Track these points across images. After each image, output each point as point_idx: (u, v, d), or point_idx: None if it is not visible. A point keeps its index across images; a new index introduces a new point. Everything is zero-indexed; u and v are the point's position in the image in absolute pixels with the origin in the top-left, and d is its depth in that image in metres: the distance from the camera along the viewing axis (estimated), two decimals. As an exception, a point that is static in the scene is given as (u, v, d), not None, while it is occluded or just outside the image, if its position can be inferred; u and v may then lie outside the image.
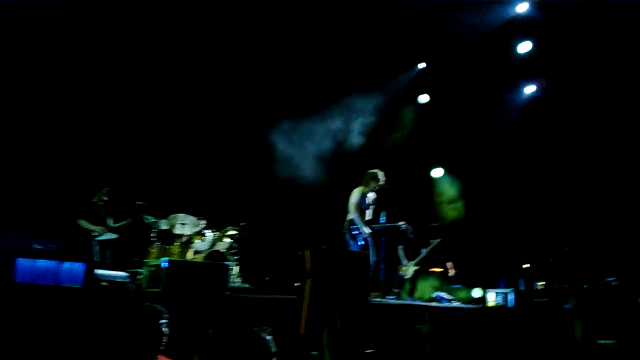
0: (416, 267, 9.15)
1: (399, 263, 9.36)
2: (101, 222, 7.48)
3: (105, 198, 7.67)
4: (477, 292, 8.82)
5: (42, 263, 5.17)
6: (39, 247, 5.19)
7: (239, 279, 8.59)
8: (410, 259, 9.31)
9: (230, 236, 8.84)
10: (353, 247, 7.28)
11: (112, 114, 8.91)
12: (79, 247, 5.39)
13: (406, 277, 9.19)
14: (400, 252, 9.40)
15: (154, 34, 8.92)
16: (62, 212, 7.47)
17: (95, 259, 6.41)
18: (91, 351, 4.40)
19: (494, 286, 8.82)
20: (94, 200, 7.60)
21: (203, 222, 8.67)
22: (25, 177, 8.05)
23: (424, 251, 9.15)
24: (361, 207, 7.50)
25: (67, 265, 5.24)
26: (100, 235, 7.33)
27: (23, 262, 5.13)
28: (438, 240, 9.15)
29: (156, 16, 8.76)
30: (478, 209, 10.21)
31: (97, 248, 7.04)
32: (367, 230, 7.38)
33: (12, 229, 5.25)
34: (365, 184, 7.64)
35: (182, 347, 4.41)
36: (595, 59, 9.27)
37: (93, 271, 5.38)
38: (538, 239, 9.88)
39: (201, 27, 9.13)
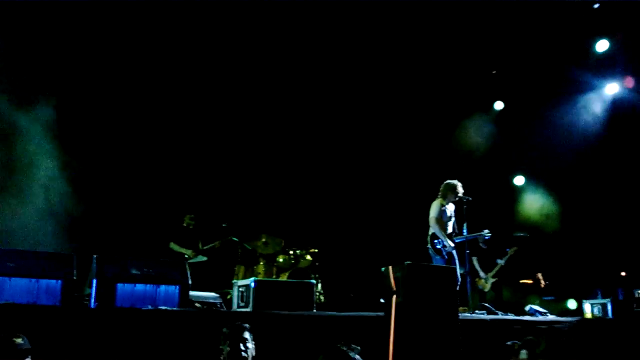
0: (494, 279, 8.76)
1: (475, 275, 9.00)
2: (191, 245, 7.87)
3: (193, 222, 8.07)
4: (572, 304, 8.39)
5: (140, 287, 5.47)
6: (136, 272, 5.48)
7: (322, 297, 8.65)
8: (486, 270, 8.91)
9: (311, 254, 8.94)
10: (438, 262, 7.14)
11: (195, 142, 9.31)
12: (174, 271, 5.66)
13: (485, 290, 8.82)
14: (476, 264, 9.01)
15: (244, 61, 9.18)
16: (155, 238, 7.91)
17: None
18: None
19: (589, 296, 8.36)
20: (183, 225, 8.04)
21: (282, 241, 8.83)
22: (119, 207, 8.56)
23: (500, 261, 8.77)
24: (442, 219, 7.36)
25: (162, 288, 5.52)
26: (191, 258, 7.70)
27: (122, 287, 5.45)
28: (514, 248, 8.74)
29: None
30: (568, 214, 9.75)
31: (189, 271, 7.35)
32: (450, 243, 7.22)
33: (111, 256, 5.56)
34: (444, 196, 7.49)
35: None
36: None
37: (188, 293, 5.61)
38: (634, 243, 9.28)
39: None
